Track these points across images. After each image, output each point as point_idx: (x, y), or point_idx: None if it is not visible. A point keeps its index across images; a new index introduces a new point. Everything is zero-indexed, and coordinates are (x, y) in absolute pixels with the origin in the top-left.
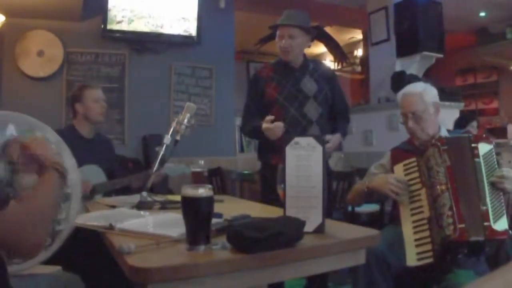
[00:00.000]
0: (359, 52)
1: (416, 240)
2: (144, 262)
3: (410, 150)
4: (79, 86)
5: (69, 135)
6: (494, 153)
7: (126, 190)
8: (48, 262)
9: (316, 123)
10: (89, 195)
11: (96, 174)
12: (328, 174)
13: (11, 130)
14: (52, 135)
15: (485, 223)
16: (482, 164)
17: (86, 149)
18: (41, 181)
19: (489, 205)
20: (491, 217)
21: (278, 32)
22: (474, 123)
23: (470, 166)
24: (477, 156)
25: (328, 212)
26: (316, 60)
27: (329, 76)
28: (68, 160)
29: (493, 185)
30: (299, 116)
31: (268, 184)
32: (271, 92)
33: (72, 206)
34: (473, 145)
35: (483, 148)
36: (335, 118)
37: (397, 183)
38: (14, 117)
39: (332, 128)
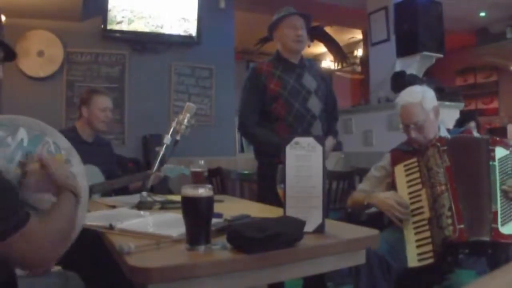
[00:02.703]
0: (359, 52)
1: (417, 240)
2: (144, 262)
3: (410, 150)
4: (89, 89)
5: (69, 137)
6: (510, 159)
7: (124, 191)
8: None
9: (319, 119)
10: None
11: (94, 175)
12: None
13: (22, 134)
14: (62, 141)
15: (493, 225)
16: (497, 168)
17: (86, 152)
18: (58, 201)
19: (499, 208)
20: (499, 219)
21: (287, 23)
22: (472, 124)
23: (483, 167)
24: (493, 159)
25: None
26: (310, 58)
27: (323, 75)
28: (77, 166)
29: (505, 193)
30: (303, 111)
31: (270, 182)
32: (274, 87)
33: (80, 211)
34: (490, 147)
35: (500, 152)
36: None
37: (399, 207)
38: (26, 121)
39: (326, 128)
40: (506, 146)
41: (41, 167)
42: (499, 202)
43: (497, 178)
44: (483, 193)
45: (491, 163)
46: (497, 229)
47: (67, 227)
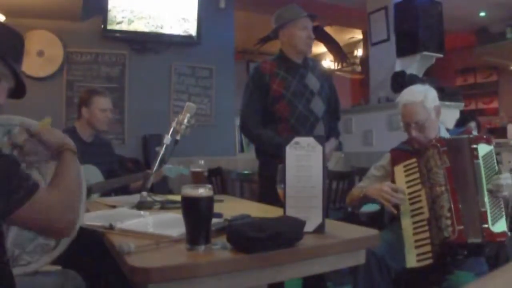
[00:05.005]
0: (359, 52)
1: (416, 241)
2: (144, 262)
3: (410, 150)
4: (88, 90)
5: (68, 137)
6: (494, 154)
7: (124, 190)
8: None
9: (322, 120)
10: None
11: (93, 174)
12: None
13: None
14: None
15: (484, 225)
16: (482, 166)
17: (85, 152)
18: (62, 162)
19: (488, 207)
20: (489, 219)
21: (299, 24)
22: (473, 124)
23: (469, 167)
24: (477, 157)
25: None
26: (313, 58)
27: (326, 74)
28: None
29: (491, 192)
30: (306, 112)
31: (271, 182)
32: (277, 88)
33: None
34: (473, 146)
35: (483, 149)
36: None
37: (391, 191)
38: (21, 121)
39: (327, 129)
40: (488, 141)
41: (31, 137)
42: (487, 201)
43: (483, 176)
44: (473, 193)
45: (475, 161)
46: (488, 229)
47: (76, 184)
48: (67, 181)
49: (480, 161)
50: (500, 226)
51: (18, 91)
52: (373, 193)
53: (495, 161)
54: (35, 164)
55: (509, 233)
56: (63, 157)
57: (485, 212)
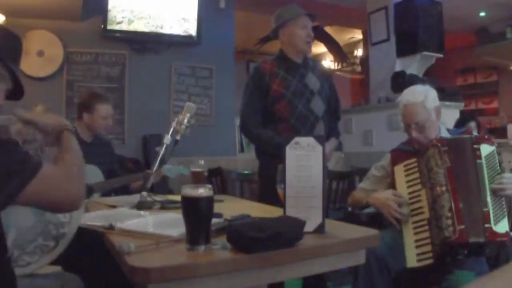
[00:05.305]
0: (359, 52)
1: (416, 241)
2: (144, 262)
3: (410, 151)
4: (90, 94)
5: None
6: (496, 155)
7: (125, 190)
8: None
9: (322, 120)
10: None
11: (93, 174)
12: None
13: None
14: None
15: (486, 225)
16: (484, 166)
17: (85, 153)
18: (62, 142)
19: (490, 207)
20: (492, 218)
21: (299, 23)
22: (473, 124)
23: (471, 167)
24: (479, 157)
25: None
26: (313, 58)
27: (326, 74)
28: None
29: (494, 192)
30: (307, 112)
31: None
32: (277, 88)
33: (76, 211)
34: (475, 146)
35: (485, 149)
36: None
37: (395, 206)
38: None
39: (328, 129)
40: (490, 142)
41: (26, 124)
42: (490, 201)
43: (485, 176)
44: (475, 193)
45: (478, 161)
46: (491, 228)
47: (80, 161)
48: (71, 156)
49: (483, 161)
50: (502, 226)
51: (16, 92)
52: (376, 204)
53: (497, 162)
54: (37, 151)
55: (511, 233)
56: (64, 135)
57: (488, 212)
